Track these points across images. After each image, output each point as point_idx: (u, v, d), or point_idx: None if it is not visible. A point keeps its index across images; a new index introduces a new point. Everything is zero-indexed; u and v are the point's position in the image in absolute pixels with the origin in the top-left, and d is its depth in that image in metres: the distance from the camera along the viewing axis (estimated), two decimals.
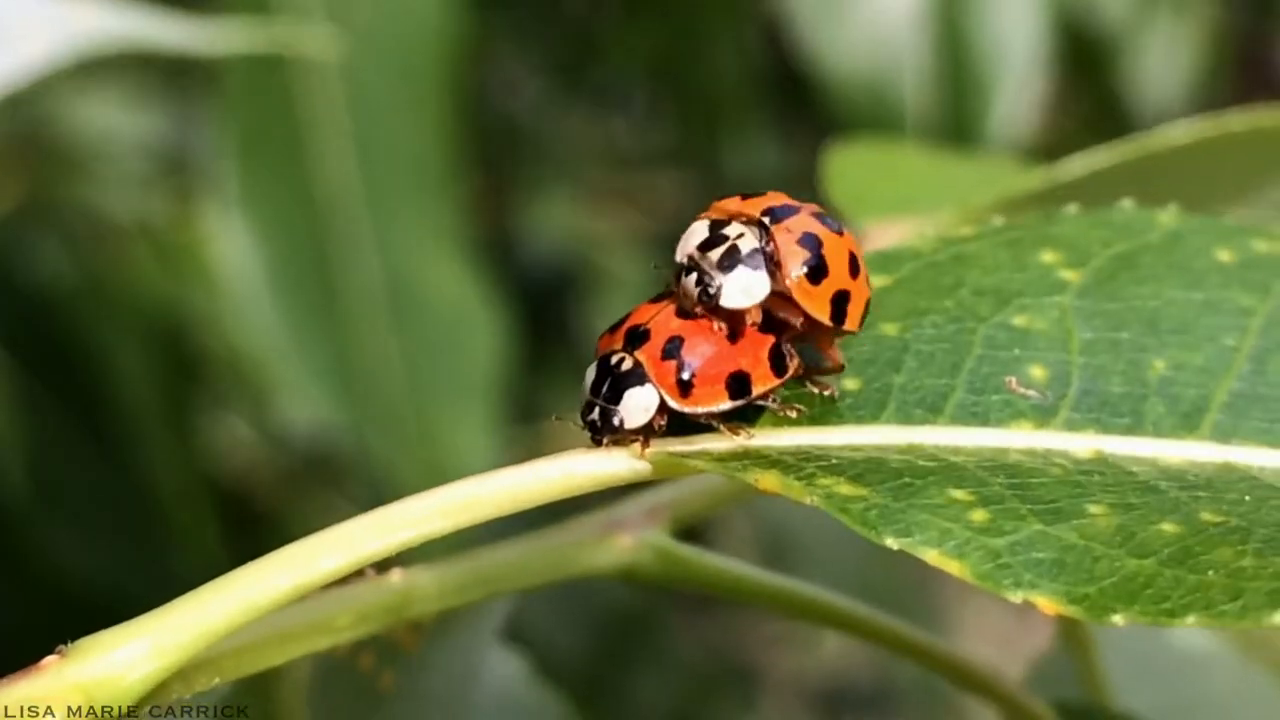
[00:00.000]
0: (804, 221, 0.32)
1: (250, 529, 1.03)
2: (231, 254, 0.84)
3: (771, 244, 0.31)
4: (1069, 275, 0.32)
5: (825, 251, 0.31)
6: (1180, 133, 0.42)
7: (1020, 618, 1.37)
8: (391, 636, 0.40)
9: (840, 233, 0.32)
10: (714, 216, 0.32)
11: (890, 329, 0.32)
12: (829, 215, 0.32)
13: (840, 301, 0.31)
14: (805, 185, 0.43)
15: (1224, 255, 0.32)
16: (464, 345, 0.84)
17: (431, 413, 0.83)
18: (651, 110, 1.36)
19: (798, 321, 0.31)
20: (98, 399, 0.90)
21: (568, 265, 1.22)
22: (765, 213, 0.32)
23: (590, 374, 0.31)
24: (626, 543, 0.36)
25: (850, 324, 0.31)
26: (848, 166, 0.43)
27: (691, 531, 0.39)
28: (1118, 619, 0.25)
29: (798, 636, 1.42)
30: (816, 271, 0.31)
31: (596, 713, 0.93)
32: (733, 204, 0.32)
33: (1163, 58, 1.14)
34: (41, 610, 0.85)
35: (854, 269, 0.31)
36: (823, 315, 0.31)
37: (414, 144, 0.83)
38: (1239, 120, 0.41)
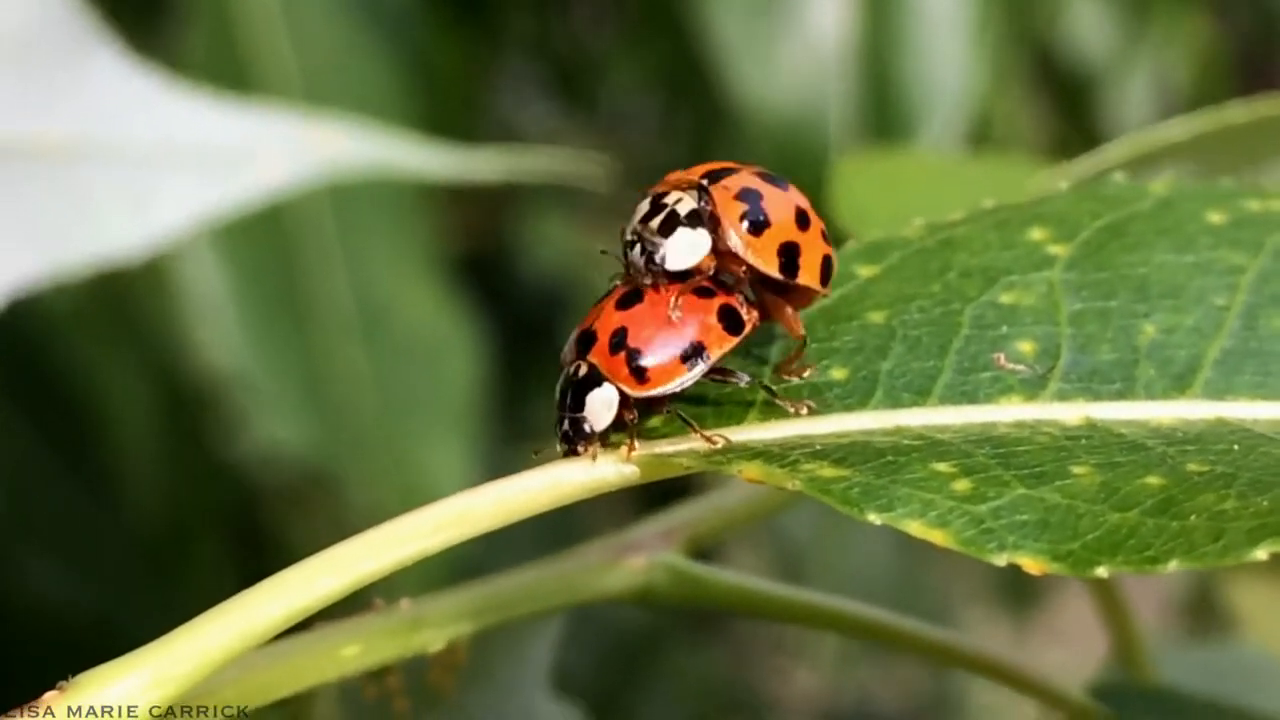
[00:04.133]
0: (743, 179, 0.31)
1: (257, 551, 1.01)
2: (197, 276, 0.81)
3: (710, 203, 0.31)
4: (1057, 250, 0.32)
5: (765, 204, 0.31)
6: (1181, 129, 0.41)
7: (1030, 629, 1.35)
8: (426, 679, 0.40)
9: (785, 188, 0.32)
10: (657, 191, 0.32)
11: (877, 316, 0.31)
12: (774, 174, 0.32)
13: (789, 253, 0.31)
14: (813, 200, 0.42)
15: (1215, 217, 0.32)
16: (439, 370, 0.81)
17: (406, 438, 0.81)
18: (651, 128, 1.36)
19: (743, 272, 0.31)
20: (87, 423, 0.88)
21: (563, 284, 1.22)
22: (704, 176, 0.31)
23: (556, 393, 0.31)
24: (639, 564, 0.35)
25: (807, 278, 0.31)
26: (855, 180, 0.43)
27: (708, 558, 0.38)
28: (1101, 571, 0.25)
29: (809, 658, 1.40)
30: (756, 223, 0.31)
31: None
32: (675, 176, 0.32)
33: (1148, 86, 1.12)
34: (29, 644, 0.84)
35: (802, 222, 0.31)
36: (770, 268, 0.31)
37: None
38: (1239, 113, 0.41)
